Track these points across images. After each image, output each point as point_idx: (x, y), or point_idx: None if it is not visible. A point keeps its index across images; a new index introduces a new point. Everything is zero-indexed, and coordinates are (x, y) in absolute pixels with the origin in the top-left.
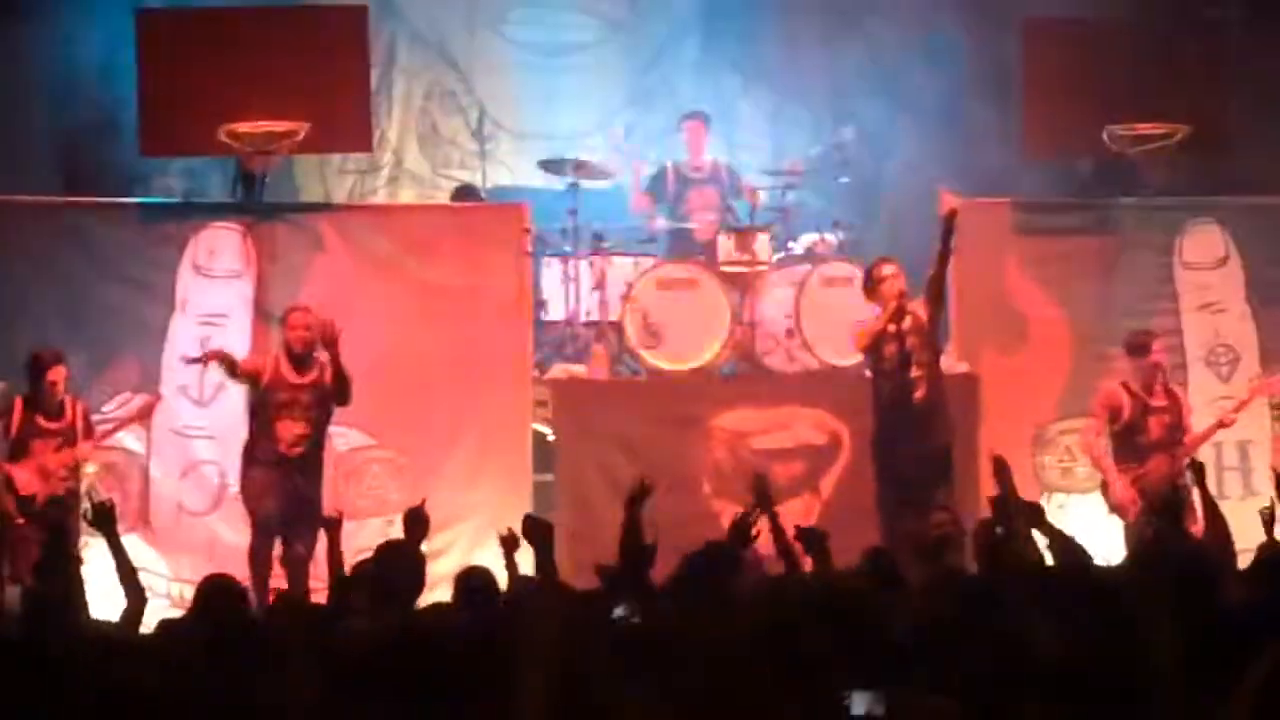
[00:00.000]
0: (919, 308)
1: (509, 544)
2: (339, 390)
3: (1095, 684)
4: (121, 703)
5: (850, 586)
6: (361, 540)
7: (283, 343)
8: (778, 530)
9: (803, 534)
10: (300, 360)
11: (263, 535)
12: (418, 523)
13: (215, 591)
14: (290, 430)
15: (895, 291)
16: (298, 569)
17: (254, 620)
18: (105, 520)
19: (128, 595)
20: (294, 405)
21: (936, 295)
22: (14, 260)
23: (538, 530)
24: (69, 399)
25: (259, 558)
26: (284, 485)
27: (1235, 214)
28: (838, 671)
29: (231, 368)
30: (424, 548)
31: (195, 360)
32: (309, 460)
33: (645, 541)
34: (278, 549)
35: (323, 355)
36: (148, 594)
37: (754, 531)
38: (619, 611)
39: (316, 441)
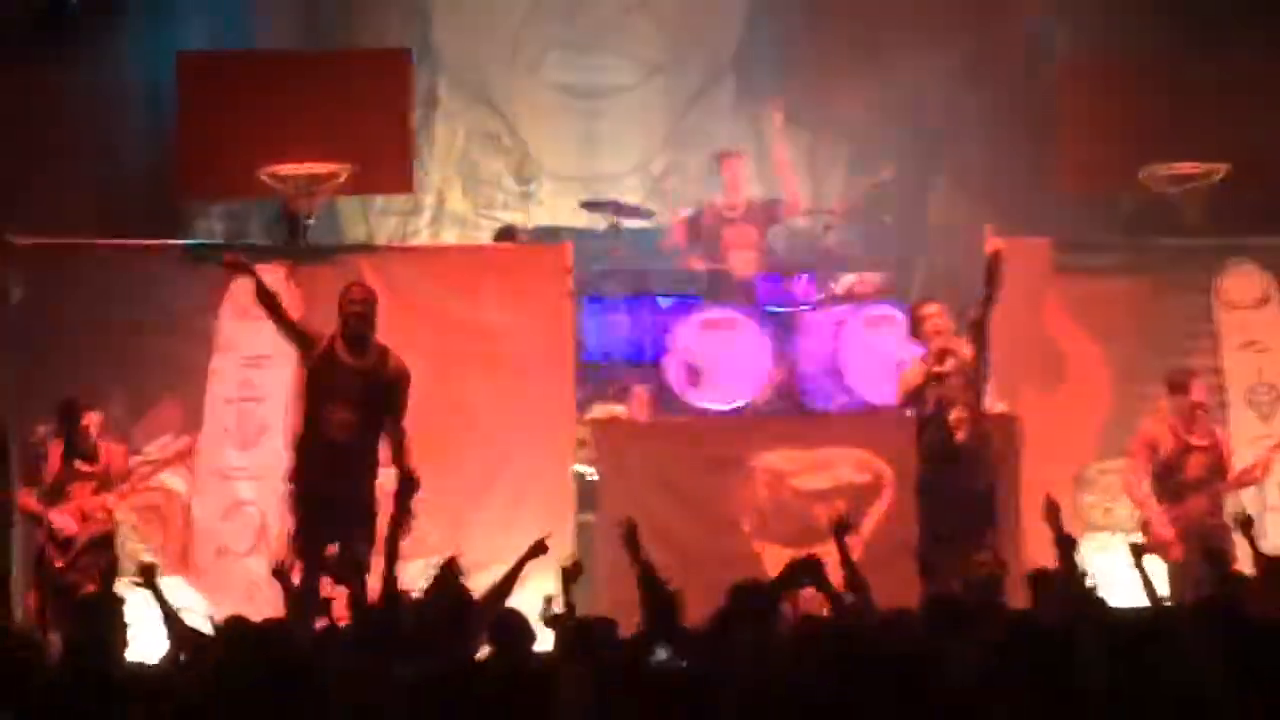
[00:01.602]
0: (962, 347)
1: (570, 574)
2: (394, 446)
3: None
4: None
5: (903, 631)
6: (402, 582)
7: (340, 321)
8: (850, 566)
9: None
10: (356, 343)
11: (309, 573)
12: (452, 573)
13: (231, 635)
14: (337, 415)
15: (938, 331)
16: (355, 572)
17: (275, 663)
18: (149, 580)
19: (170, 641)
20: (343, 389)
21: (979, 336)
22: (56, 302)
23: None
24: (105, 442)
25: (304, 598)
26: (331, 479)
27: (1275, 254)
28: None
29: (267, 295)
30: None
31: (225, 265)
32: (357, 451)
33: (662, 586)
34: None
35: (380, 341)
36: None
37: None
38: (661, 655)
39: (366, 432)
